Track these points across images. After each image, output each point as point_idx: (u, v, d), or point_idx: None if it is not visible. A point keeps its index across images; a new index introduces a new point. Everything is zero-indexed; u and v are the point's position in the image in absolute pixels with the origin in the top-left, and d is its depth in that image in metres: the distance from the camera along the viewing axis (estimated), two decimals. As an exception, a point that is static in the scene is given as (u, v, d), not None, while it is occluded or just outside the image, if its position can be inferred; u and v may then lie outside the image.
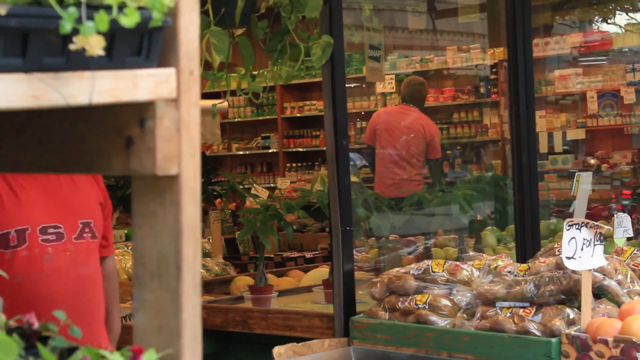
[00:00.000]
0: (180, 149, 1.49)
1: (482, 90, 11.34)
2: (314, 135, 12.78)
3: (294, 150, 12.96)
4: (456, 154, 11.31)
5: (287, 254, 6.91)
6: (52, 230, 3.23)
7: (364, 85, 11.72)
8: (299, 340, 3.82)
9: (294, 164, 12.92)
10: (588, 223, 3.35)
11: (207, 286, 5.90)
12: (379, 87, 11.22)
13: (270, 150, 13.22)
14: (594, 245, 3.35)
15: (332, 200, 3.97)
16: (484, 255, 4.06)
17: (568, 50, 9.86)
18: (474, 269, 3.71)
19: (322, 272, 5.32)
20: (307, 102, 12.75)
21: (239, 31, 3.73)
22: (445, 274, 3.70)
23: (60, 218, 3.26)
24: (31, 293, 3.18)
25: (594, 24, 10.18)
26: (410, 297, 3.69)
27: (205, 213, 9.11)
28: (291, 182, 11.79)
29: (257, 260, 5.74)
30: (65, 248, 3.25)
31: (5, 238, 3.18)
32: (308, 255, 6.96)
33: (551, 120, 10.06)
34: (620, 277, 3.59)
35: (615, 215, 4.32)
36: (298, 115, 12.87)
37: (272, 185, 12.13)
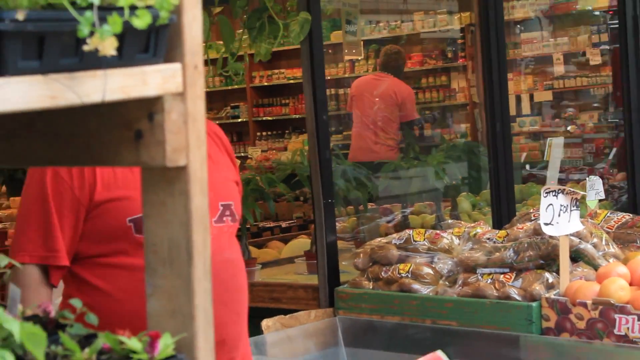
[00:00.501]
0: (187, 140, 1.55)
1: (449, 55, 11.40)
2: (284, 104, 12.81)
3: (264, 119, 12.99)
4: (427, 119, 11.38)
5: (263, 224, 6.97)
6: None
7: (330, 51, 11.76)
8: (284, 312, 3.89)
9: (264, 133, 12.95)
10: (564, 189, 3.44)
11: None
12: (347, 54, 11.25)
13: (239, 120, 13.25)
14: (571, 210, 3.44)
15: (313, 173, 4.03)
16: (462, 222, 4.15)
17: (533, 14, 9.94)
18: (453, 237, 3.80)
19: (302, 242, 5.39)
20: (276, 71, 12.77)
21: (218, 9, 3.78)
22: (426, 243, 3.78)
23: None
24: None
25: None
26: (393, 267, 3.77)
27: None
28: (262, 151, 11.84)
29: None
30: None
31: (141, 221, 2.94)
32: (284, 224, 7.02)
33: (518, 83, 10.15)
34: (595, 240, 3.69)
35: (587, 178, 4.41)
36: (267, 84, 12.90)
37: (242, 154, 12.18)
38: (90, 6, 1.35)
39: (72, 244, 2.74)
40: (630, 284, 3.33)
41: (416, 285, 3.67)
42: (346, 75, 11.42)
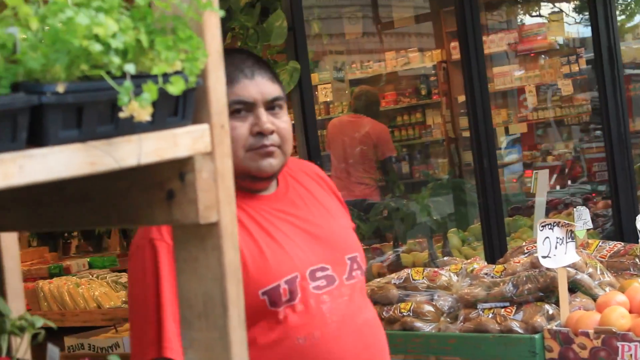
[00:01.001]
0: (218, 197, 1.60)
1: (423, 92, 11.50)
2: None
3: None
4: (404, 156, 11.47)
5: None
6: (320, 274, 2.56)
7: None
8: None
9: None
10: (560, 222, 3.51)
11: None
12: (321, 97, 11.35)
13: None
14: (567, 242, 3.50)
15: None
16: (457, 259, 4.21)
17: (504, 48, 10.07)
18: (451, 274, 3.85)
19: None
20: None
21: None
22: (425, 281, 3.84)
23: (325, 257, 2.59)
24: (320, 356, 2.49)
25: (520, 19, 10.41)
26: (394, 306, 3.82)
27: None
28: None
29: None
30: (341, 293, 2.56)
31: (275, 292, 2.49)
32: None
33: (494, 117, 10.26)
34: (590, 270, 3.75)
35: (574, 209, 4.48)
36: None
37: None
38: (123, 76, 1.41)
39: None
40: (630, 312, 3.40)
41: (418, 324, 3.72)
42: (320, 117, 11.52)
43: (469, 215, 5.86)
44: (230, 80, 2.45)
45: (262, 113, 2.51)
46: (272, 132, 2.51)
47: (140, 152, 1.48)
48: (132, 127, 1.46)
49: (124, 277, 7.14)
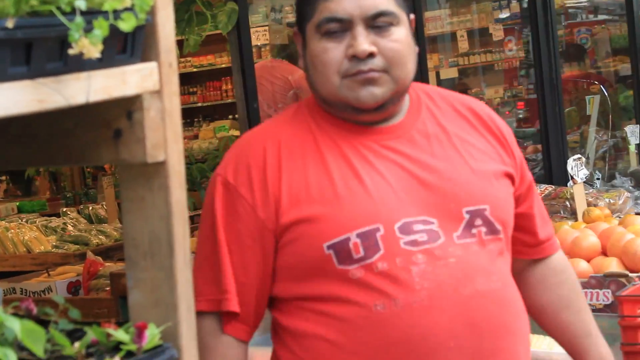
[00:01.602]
0: (165, 136, 1.60)
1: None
2: (191, 92, 12.79)
3: (172, 107, 12.94)
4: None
5: (193, 214, 6.99)
6: (420, 227, 2.05)
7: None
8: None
9: (173, 121, 12.91)
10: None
11: (109, 252, 5.96)
12: (253, 40, 11.28)
13: (148, 110, 13.18)
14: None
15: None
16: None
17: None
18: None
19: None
20: (181, 60, 12.73)
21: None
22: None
23: (432, 208, 2.08)
24: (400, 328, 2.01)
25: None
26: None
27: (95, 179, 9.15)
28: (172, 140, 11.81)
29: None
30: (446, 253, 2.04)
31: (344, 246, 2.04)
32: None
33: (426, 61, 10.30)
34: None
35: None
36: (174, 72, 12.85)
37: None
38: (73, 12, 1.40)
39: (261, 285, 2.12)
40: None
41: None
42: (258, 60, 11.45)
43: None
44: None
45: (360, 32, 2.08)
46: (371, 55, 2.08)
47: (89, 89, 1.47)
48: (81, 65, 1.46)
49: (53, 222, 7.09)
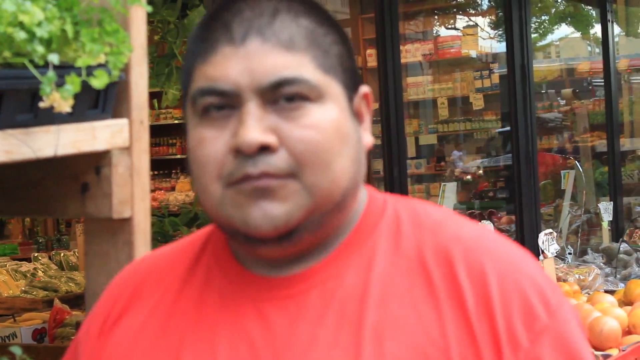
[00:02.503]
0: (132, 193, 1.60)
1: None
2: (171, 144, 12.81)
3: (151, 158, 12.96)
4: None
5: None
6: None
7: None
8: None
9: (150, 172, 12.92)
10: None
11: (77, 300, 5.91)
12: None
13: (126, 159, 13.19)
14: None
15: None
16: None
17: (419, 58, 10.17)
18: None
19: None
20: (163, 111, 12.76)
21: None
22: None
23: None
24: None
25: (435, 31, 10.53)
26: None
27: (68, 225, 9.12)
28: (150, 191, 11.82)
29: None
30: None
31: None
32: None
33: (405, 127, 10.35)
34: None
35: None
36: (154, 123, 12.88)
37: (129, 193, 12.13)
38: (46, 65, 1.40)
39: None
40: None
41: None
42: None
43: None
44: (205, 48, 1.35)
45: (250, 111, 1.31)
46: (265, 149, 1.30)
47: (57, 143, 1.47)
48: (51, 118, 1.46)
49: (24, 266, 7.05)
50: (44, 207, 1.63)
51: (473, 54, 10.11)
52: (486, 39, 10.37)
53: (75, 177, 1.58)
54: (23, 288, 6.51)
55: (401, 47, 10.15)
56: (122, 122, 1.58)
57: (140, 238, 1.62)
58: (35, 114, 1.44)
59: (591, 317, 3.61)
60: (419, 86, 10.27)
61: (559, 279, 4.22)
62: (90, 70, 1.42)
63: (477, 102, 9.86)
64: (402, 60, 10.18)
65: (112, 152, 1.56)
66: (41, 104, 1.41)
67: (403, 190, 4.83)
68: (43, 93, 1.36)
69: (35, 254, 7.35)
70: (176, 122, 12.51)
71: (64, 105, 1.40)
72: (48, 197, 1.61)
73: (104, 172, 1.56)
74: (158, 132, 12.91)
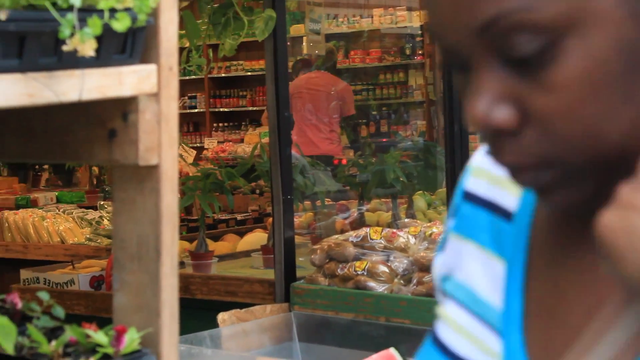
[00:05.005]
0: (160, 140, 1.58)
1: (407, 52, 11.47)
2: (241, 96, 12.84)
3: (221, 110, 12.99)
4: (383, 115, 11.47)
5: (219, 216, 7.00)
6: None
7: (288, 44, 11.78)
8: (240, 305, 3.93)
9: (220, 124, 12.96)
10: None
11: (140, 248, 5.97)
12: (306, 48, 11.31)
13: (196, 110, 13.25)
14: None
15: (273, 170, 4.08)
16: (418, 221, 4.22)
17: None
18: (410, 236, 3.86)
19: (258, 236, 5.43)
20: (234, 62, 12.78)
21: (184, 4, 3.81)
22: (382, 241, 3.84)
23: None
24: None
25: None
26: (349, 264, 3.83)
27: (135, 174, 9.16)
28: (218, 142, 11.87)
29: (192, 223, 5.86)
30: None
31: None
32: (239, 217, 7.07)
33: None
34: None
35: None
36: (224, 75, 12.90)
37: (198, 144, 12.20)
38: (70, 8, 1.38)
39: None
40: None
41: (371, 283, 3.72)
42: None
43: (437, 180, 5.87)
44: None
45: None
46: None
47: (82, 87, 1.46)
48: (76, 62, 1.44)
49: (90, 214, 7.13)
50: (72, 153, 1.62)
51: None
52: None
53: (102, 123, 1.57)
54: (88, 236, 6.60)
55: None
56: (150, 67, 1.56)
57: (167, 186, 1.61)
58: (59, 58, 1.43)
59: None
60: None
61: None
62: (113, 13, 1.41)
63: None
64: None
65: (139, 98, 1.54)
66: (64, 47, 1.40)
67: (464, 147, 4.77)
68: (62, 36, 1.34)
69: (102, 202, 7.43)
70: (248, 73, 12.51)
71: (87, 48, 1.39)
72: (76, 142, 1.61)
73: (131, 118, 1.55)
74: (228, 84, 12.94)
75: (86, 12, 1.41)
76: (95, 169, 8.93)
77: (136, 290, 1.63)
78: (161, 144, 1.58)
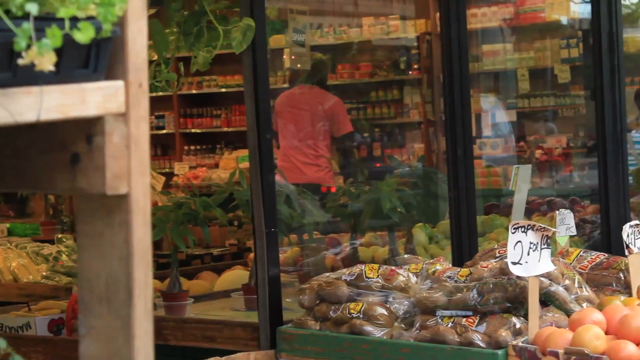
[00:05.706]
0: (130, 166, 1.56)
1: (402, 66, 11.45)
2: (215, 115, 12.77)
3: (192, 131, 12.94)
4: (376, 137, 11.43)
5: (193, 251, 6.95)
6: None
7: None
8: (220, 353, 3.89)
9: (192, 147, 12.90)
10: (534, 226, 3.48)
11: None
12: (288, 61, 11.27)
13: (164, 131, 13.18)
14: (541, 249, 3.48)
15: (255, 199, 4.04)
16: (419, 257, 4.18)
17: (497, 23, 10.03)
18: (410, 274, 3.83)
19: (238, 274, 5.39)
20: (206, 77, 12.70)
21: (150, 12, 3.78)
22: (380, 280, 3.81)
23: None
24: None
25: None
26: (342, 306, 3.80)
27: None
28: (190, 167, 11.81)
29: (162, 259, 5.82)
30: None
31: None
32: (216, 252, 7.02)
33: (478, 100, 10.22)
34: (567, 282, 3.74)
35: (557, 212, 4.47)
36: (196, 92, 12.84)
37: (168, 170, 12.14)
38: (26, 16, 1.36)
39: None
40: (606, 333, 3.37)
41: (368, 327, 3.69)
42: (285, 85, 11.42)
43: (439, 210, 5.84)
44: None
45: None
46: None
47: (40, 106, 1.43)
48: (33, 77, 1.42)
49: (46, 248, 7.08)
50: (29, 180, 1.59)
51: (563, 19, 9.95)
52: (577, 3, 10.20)
53: (63, 147, 1.54)
54: (44, 273, 6.54)
55: (476, 10, 10.09)
56: (117, 84, 1.54)
57: (139, 218, 1.58)
58: (14, 73, 1.41)
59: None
60: (496, 55, 10.14)
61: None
62: (74, 22, 1.38)
63: (563, 74, 9.71)
64: (478, 26, 10.12)
65: (105, 118, 1.52)
66: (20, 61, 1.37)
67: (468, 173, 4.75)
68: (18, 48, 1.32)
69: (59, 235, 7.37)
70: (223, 90, 12.45)
71: (45, 62, 1.36)
72: (35, 169, 1.58)
73: (96, 141, 1.52)
74: (200, 102, 12.88)
75: (44, 21, 1.39)
76: (52, 197, 8.87)
77: (106, 337, 1.60)
78: (131, 171, 1.56)
